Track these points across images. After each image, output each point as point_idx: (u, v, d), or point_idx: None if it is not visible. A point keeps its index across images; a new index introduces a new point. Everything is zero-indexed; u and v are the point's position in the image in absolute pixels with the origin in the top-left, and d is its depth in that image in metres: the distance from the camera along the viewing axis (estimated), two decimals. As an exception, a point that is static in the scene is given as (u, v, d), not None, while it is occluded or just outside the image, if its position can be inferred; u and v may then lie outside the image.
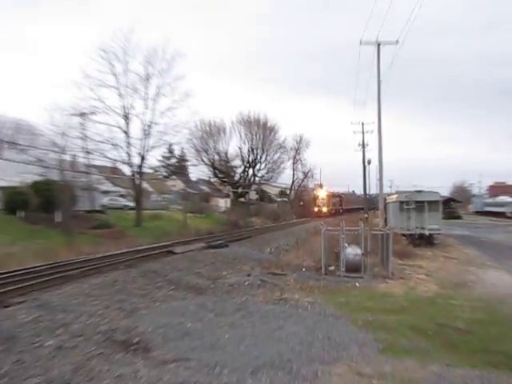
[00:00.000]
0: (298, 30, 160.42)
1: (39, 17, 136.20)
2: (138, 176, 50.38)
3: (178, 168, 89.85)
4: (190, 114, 51.91)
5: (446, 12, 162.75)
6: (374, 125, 49.34)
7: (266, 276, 18.68)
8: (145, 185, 58.10)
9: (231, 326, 11.31)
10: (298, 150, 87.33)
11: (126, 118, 47.94)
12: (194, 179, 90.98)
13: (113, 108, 47.00)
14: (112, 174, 64.75)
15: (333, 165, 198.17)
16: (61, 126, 39.45)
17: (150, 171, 66.60)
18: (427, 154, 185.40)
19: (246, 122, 76.60)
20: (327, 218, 60.02)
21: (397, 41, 33.22)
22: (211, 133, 74.34)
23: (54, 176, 39.57)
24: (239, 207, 69.47)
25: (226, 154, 76.63)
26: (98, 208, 48.22)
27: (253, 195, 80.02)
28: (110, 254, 23.10)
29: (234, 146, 77.16)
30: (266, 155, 78.34)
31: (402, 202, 32.93)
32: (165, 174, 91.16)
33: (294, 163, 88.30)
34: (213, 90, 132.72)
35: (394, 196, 38.31)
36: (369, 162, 58.18)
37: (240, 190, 76.79)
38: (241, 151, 76.95)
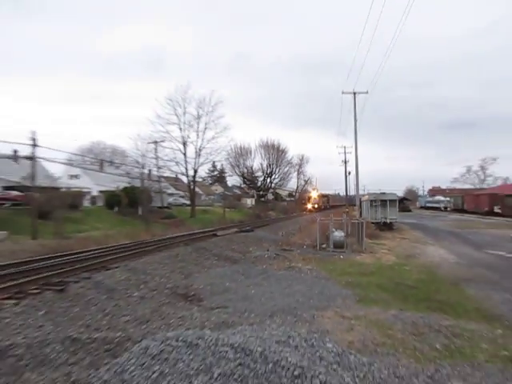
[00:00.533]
0: (302, 84, 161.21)
1: (127, 78, 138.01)
2: (192, 183, 50.75)
3: (219, 178, 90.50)
4: (227, 140, 52.12)
5: (401, 70, 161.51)
6: (352, 148, 48.77)
7: (279, 251, 18.63)
8: (197, 189, 58.39)
9: (255, 285, 11.34)
10: (300, 165, 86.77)
11: (184, 144, 48.42)
12: (229, 185, 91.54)
13: (175, 138, 47.73)
14: (175, 182, 65.35)
15: (324, 174, 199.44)
16: (141, 150, 39.98)
17: (200, 180, 67.03)
18: (388, 166, 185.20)
19: (265, 146, 76.58)
20: (318, 212, 58.94)
21: (367, 91, 33.65)
22: (241, 153, 74.58)
23: (137, 183, 40.02)
24: (260, 204, 69.36)
25: (251, 168, 76.88)
26: (166, 205, 48.55)
27: (270, 196, 79.76)
28: (173, 236, 23.24)
29: (257, 162, 77.17)
30: (279, 169, 78.41)
31: (371, 201, 32.88)
32: (210, 181, 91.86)
33: (298, 174, 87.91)
34: (243, 123, 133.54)
35: (366, 196, 38.20)
36: (349, 173, 57.33)
37: (261, 193, 76.85)
38: (262, 166, 77.06)
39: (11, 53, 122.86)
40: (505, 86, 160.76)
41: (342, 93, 33.76)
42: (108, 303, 8.42)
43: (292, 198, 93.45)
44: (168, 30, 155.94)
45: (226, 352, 4.06)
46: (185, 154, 48.29)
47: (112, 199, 40.44)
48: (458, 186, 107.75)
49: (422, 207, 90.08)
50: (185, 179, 53.61)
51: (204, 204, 63.67)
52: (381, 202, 32.03)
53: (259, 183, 78.91)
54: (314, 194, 74.95)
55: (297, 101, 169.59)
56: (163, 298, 9.32)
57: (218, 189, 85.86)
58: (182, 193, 61.23)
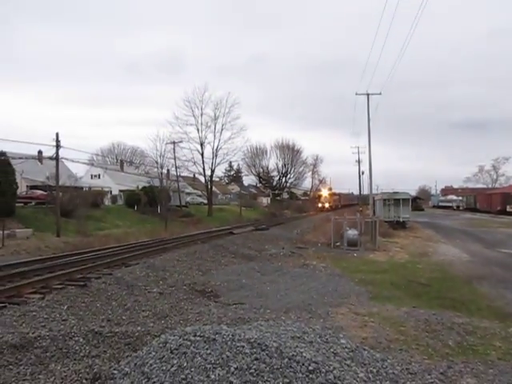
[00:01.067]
0: (316, 85, 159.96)
1: (147, 81, 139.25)
2: (209, 183, 51.01)
3: (235, 177, 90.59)
4: (243, 141, 52.23)
5: (414, 72, 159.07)
6: (365, 148, 48.37)
7: (294, 249, 18.64)
8: (214, 188, 58.61)
9: (271, 281, 11.37)
10: (315, 165, 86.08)
11: (202, 145, 48.83)
12: (246, 184, 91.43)
13: (193, 138, 48.18)
14: (192, 181, 65.73)
15: (337, 174, 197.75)
16: (160, 150, 40.33)
17: (217, 179, 67.35)
18: (401, 166, 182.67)
19: (280, 146, 76.37)
20: (328, 211, 54.67)
21: (380, 92, 33.81)
22: (257, 154, 74.68)
23: (156, 183, 40.39)
24: (276, 203, 69.10)
25: (267, 167, 76.90)
26: (184, 204, 48.82)
27: (285, 195, 79.47)
28: (191, 234, 23.37)
29: (273, 162, 77.04)
30: (294, 168, 78.14)
31: (385, 199, 32.67)
32: (226, 181, 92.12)
33: (312, 174, 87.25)
34: (258, 124, 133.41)
35: (380, 195, 37.81)
36: (362, 173, 56.89)
37: (276, 192, 76.75)
38: (277, 166, 76.90)
39: (37, 59, 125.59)
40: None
41: (356, 94, 33.70)
42: (128, 299, 8.52)
43: (307, 197, 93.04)
44: (185, 33, 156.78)
45: (243, 347, 4.08)
46: (202, 155, 48.73)
47: (132, 198, 40.93)
48: (471, 185, 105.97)
49: (434, 206, 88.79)
50: (202, 179, 54.14)
51: (221, 203, 63.88)
52: (394, 200, 31.75)
53: (275, 183, 78.84)
54: (324, 193, 69.83)
55: (311, 101, 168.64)
56: (181, 294, 9.39)
57: (234, 188, 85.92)
58: (199, 192, 61.51)
